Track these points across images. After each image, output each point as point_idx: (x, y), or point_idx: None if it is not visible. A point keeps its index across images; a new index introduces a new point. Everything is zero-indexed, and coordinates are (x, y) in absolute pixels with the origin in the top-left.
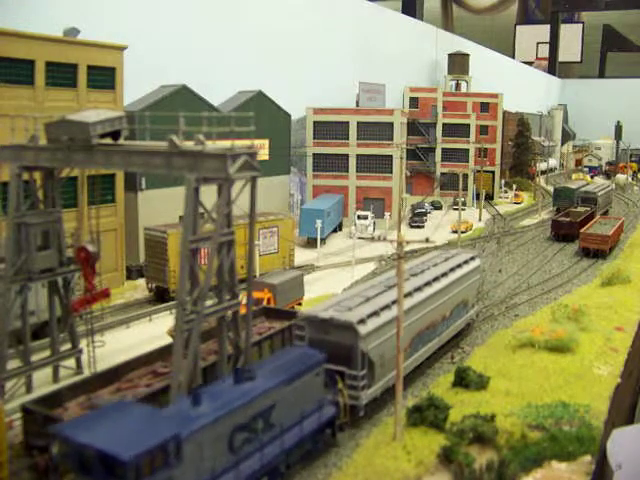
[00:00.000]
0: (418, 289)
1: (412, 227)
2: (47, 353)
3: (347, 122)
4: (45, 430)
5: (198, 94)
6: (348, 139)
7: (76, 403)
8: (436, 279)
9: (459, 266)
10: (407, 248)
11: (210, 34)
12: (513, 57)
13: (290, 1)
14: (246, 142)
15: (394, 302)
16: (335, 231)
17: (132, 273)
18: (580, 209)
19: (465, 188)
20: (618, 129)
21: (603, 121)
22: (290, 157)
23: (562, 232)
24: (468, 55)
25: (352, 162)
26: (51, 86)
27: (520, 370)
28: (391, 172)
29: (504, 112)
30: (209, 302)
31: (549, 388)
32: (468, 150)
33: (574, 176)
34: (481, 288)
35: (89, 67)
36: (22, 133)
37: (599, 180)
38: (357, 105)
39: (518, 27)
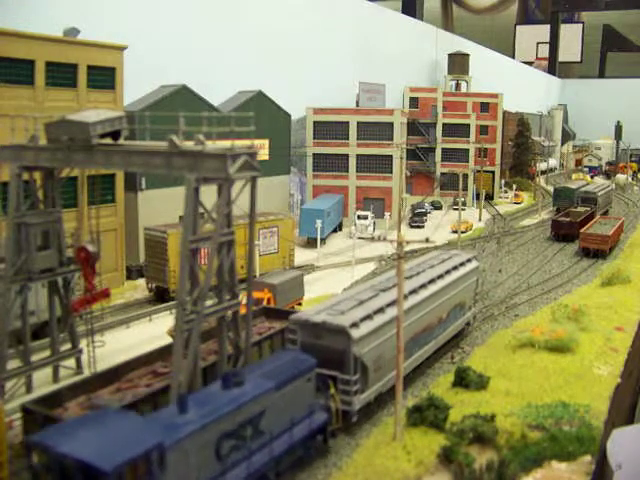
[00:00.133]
0: (413, 291)
1: (412, 227)
2: (47, 353)
3: (347, 122)
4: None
5: (198, 94)
6: (348, 139)
7: (76, 403)
8: (432, 281)
9: (456, 268)
10: (407, 248)
11: (210, 34)
12: (513, 57)
13: (290, 1)
14: (246, 142)
15: (388, 305)
16: (335, 231)
17: (132, 273)
18: (580, 209)
19: (465, 188)
20: (618, 129)
21: (603, 121)
22: (290, 157)
23: (562, 232)
24: (468, 55)
25: (352, 162)
26: (51, 86)
27: (520, 370)
28: (391, 172)
29: (504, 112)
30: (209, 302)
31: (549, 388)
32: (468, 150)
33: (574, 176)
34: (479, 290)
35: (89, 67)
36: (22, 133)
37: (599, 180)
38: (357, 105)
39: (518, 27)
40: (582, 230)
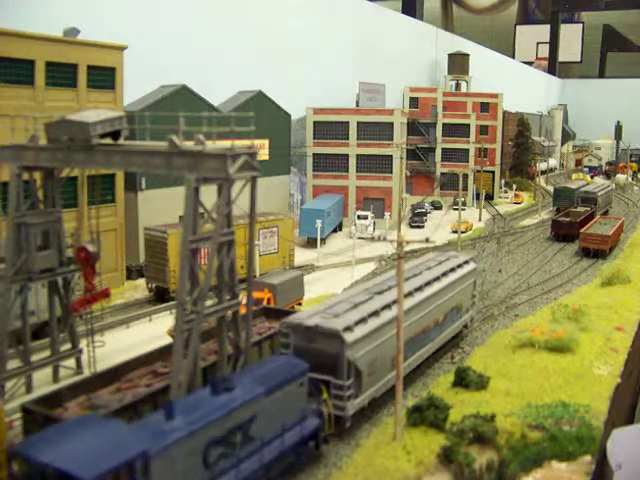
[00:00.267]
0: (409, 294)
1: (412, 227)
2: (47, 353)
3: (347, 122)
4: None
5: (198, 94)
6: (348, 139)
7: (76, 403)
8: (428, 283)
9: (453, 270)
10: (407, 248)
11: (210, 34)
12: (513, 57)
13: (290, 1)
14: (246, 142)
15: (383, 308)
16: (335, 231)
17: (132, 273)
18: (580, 209)
19: (465, 188)
20: (618, 129)
21: (603, 121)
22: (290, 157)
23: (562, 232)
24: (468, 55)
25: (352, 162)
26: (51, 86)
27: (520, 370)
28: (391, 172)
29: (504, 112)
30: (209, 302)
31: (549, 388)
32: (468, 150)
33: (574, 176)
34: (476, 292)
35: (89, 67)
36: (22, 133)
37: (599, 180)
38: (357, 105)
39: (518, 27)
40: (582, 230)
